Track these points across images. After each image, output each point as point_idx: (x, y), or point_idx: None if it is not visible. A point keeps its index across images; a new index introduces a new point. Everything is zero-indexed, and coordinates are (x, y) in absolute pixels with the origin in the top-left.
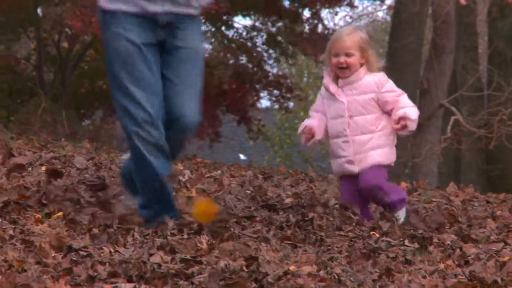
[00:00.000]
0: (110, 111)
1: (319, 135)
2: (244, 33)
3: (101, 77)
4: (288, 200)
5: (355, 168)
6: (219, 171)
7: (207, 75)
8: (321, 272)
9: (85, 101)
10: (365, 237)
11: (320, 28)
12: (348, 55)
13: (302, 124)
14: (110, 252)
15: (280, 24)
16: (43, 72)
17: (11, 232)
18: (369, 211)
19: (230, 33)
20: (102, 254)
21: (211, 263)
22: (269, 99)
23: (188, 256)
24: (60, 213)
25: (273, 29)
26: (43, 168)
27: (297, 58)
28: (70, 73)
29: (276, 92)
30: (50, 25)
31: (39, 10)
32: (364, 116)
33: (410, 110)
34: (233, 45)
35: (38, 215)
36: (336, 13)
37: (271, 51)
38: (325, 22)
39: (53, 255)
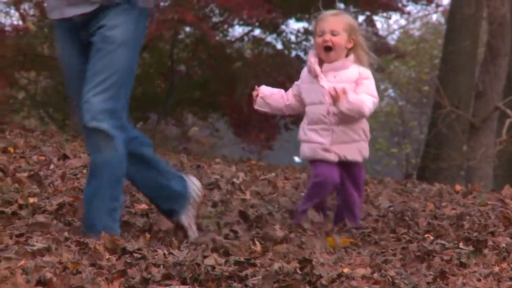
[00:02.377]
0: (164, 114)
1: (260, 105)
2: (293, 38)
3: (155, 81)
4: None
5: (331, 156)
6: (273, 174)
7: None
8: (375, 275)
9: (139, 104)
10: (419, 240)
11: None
12: (333, 33)
13: (259, 87)
14: (164, 254)
15: None
16: None
17: (66, 234)
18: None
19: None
20: (156, 256)
21: (265, 265)
22: None
23: (242, 259)
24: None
25: None
26: None
27: None
28: None
29: None
30: None
31: None
32: None
33: (354, 94)
34: (286, 51)
35: None
36: (390, 17)
37: None
38: (378, 26)
39: (107, 257)
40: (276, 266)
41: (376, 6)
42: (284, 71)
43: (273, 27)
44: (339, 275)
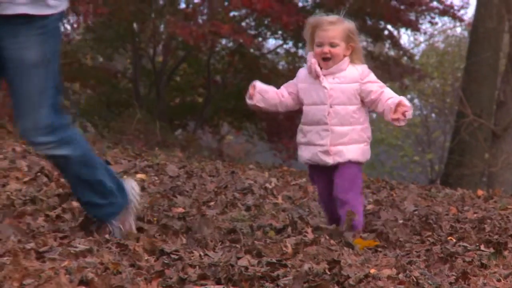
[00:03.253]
0: (201, 122)
1: (257, 101)
2: None
3: (193, 91)
4: (370, 207)
5: (329, 160)
6: (304, 179)
7: None
8: (400, 275)
9: (178, 112)
10: (442, 242)
11: (393, 52)
12: (332, 45)
13: (254, 82)
14: (200, 255)
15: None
16: (139, 85)
17: (106, 236)
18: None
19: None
20: (192, 258)
21: (296, 266)
22: None
23: (274, 260)
24: (154, 219)
25: None
26: (138, 175)
27: None
28: (164, 86)
29: None
30: (147, 39)
31: (135, 26)
32: (346, 106)
33: (403, 98)
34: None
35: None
36: (418, 30)
37: None
38: (405, 39)
39: (146, 258)
40: (306, 267)
41: (400, 24)
42: None
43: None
44: (366, 276)
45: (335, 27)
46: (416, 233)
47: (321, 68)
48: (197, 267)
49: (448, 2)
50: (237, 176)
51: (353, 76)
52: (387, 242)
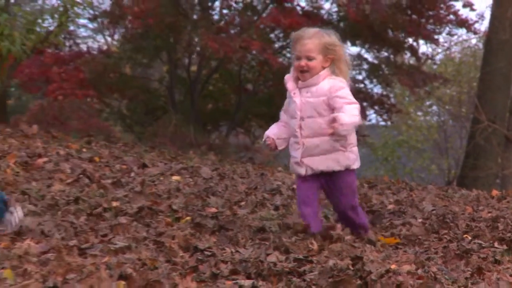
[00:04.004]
0: (233, 127)
1: (281, 145)
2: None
3: (225, 98)
4: (390, 207)
5: (302, 171)
6: None
7: None
8: (419, 271)
9: (211, 118)
10: (459, 240)
11: (413, 60)
12: (309, 58)
13: (265, 134)
14: (231, 252)
15: (384, 55)
16: (174, 93)
17: (144, 234)
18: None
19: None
20: (224, 254)
21: (321, 262)
22: (375, 115)
23: (300, 256)
24: (188, 218)
25: (376, 61)
26: (174, 177)
27: (392, 86)
28: (198, 93)
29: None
30: (183, 50)
31: (171, 37)
32: (315, 119)
33: (343, 115)
34: None
35: (168, 219)
36: (437, 44)
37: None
38: (424, 49)
39: (181, 254)
40: (331, 262)
41: (421, 37)
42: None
43: None
44: (387, 271)
45: (312, 41)
46: (434, 231)
47: (298, 79)
48: (229, 263)
49: (464, 16)
50: (266, 178)
51: (323, 90)
52: (407, 240)
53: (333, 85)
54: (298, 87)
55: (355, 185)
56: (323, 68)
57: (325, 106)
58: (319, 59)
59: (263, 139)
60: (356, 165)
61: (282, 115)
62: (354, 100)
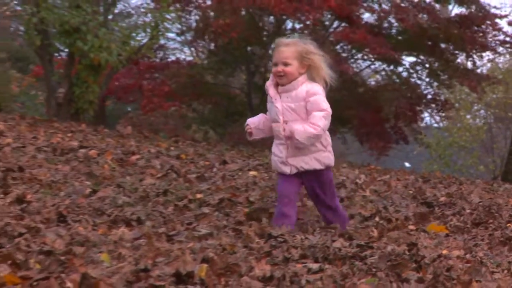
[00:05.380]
0: None
1: (258, 134)
2: (403, 71)
3: None
4: (442, 199)
5: (287, 169)
6: (388, 176)
7: (379, 103)
8: (467, 256)
9: None
10: (502, 228)
11: (470, 65)
12: (285, 64)
13: (247, 121)
14: (301, 239)
15: (437, 64)
16: (252, 98)
17: (224, 222)
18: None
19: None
20: (295, 240)
21: (381, 248)
22: (429, 116)
23: (362, 242)
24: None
25: (435, 65)
26: (251, 172)
27: (453, 87)
28: None
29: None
30: (259, 60)
31: (249, 49)
32: (296, 122)
33: (300, 129)
34: (397, 80)
35: (246, 210)
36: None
37: (430, 79)
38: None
39: (257, 240)
40: (389, 248)
41: (478, 47)
42: (409, 93)
43: (391, 60)
44: (439, 256)
45: (288, 48)
46: (480, 221)
47: (279, 85)
48: (299, 248)
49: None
50: (332, 173)
51: (301, 95)
52: (456, 228)
53: (309, 90)
54: (278, 92)
55: (333, 182)
56: (300, 74)
57: (305, 110)
58: (295, 65)
59: (246, 124)
60: (332, 163)
61: (263, 115)
62: (324, 106)
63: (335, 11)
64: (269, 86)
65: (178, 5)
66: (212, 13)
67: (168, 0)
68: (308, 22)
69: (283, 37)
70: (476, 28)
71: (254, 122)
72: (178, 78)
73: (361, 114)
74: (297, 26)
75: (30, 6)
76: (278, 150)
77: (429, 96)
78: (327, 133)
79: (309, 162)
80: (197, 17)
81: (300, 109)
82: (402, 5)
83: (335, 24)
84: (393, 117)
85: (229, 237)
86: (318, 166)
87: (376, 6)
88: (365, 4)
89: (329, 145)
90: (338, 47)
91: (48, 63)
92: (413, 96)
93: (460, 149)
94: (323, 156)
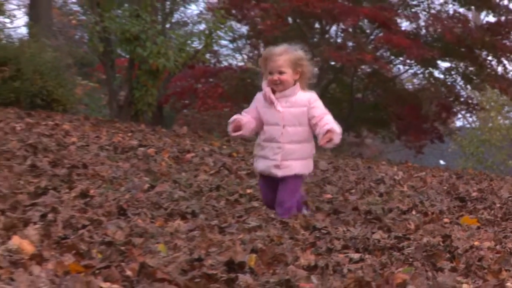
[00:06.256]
0: (346, 129)
1: (244, 132)
2: (439, 74)
3: (340, 105)
4: (474, 194)
5: (279, 173)
6: (424, 172)
7: (418, 102)
8: (498, 247)
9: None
10: None
11: (500, 70)
12: (280, 72)
13: (234, 116)
14: (343, 230)
15: (471, 68)
16: None
17: (272, 215)
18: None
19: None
20: (337, 232)
21: (417, 239)
22: (462, 118)
23: (400, 234)
24: (308, 203)
25: (468, 70)
26: None
27: (485, 91)
28: None
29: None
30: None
31: None
32: (296, 127)
33: (335, 125)
34: (433, 81)
35: None
36: None
37: (463, 83)
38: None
39: (302, 232)
40: (425, 240)
41: (508, 53)
42: (446, 94)
43: (428, 63)
44: (471, 247)
45: (282, 57)
46: (509, 214)
47: (275, 92)
48: (341, 239)
49: None
50: (372, 170)
51: (302, 101)
52: (487, 221)
53: (311, 97)
54: (276, 97)
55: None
56: (294, 80)
57: (305, 117)
58: (289, 73)
59: (232, 119)
60: (309, 171)
61: (244, 115)
62: (326, 110)
63: (370, 17)
64: (269, 92)
65: (230, 11)
66: (259, 19)
67: (221, 11)
68: (346, 27)
69: (274, 47)
70: (507, 34)
71: (242, 119)
72: (231, 81)
73: (399, 112)
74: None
75: (94, 16)
76: (272, 153)
77: (462, 99)
78: (313, 143)
79: (300, 167)
80: (247, 26)
81: (301, 115)
82: (438, 16)
83: (375, 32)
84: (432, 114)
85: (277, 229)
86: (306, 171)
87: (411, 14)
88: (399, 11)
89: (313, 153)
90: (378, 53)
91: (110, 68)
92: (449, 97)
93: (491, 147)
94: (310, 163)
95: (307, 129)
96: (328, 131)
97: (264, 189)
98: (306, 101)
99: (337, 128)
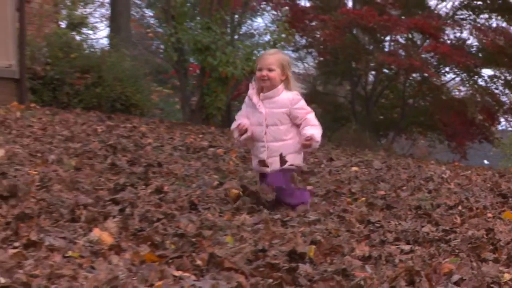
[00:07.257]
0: (398, 132)
1: (250, 132)
2: (481, 82)
3: (392, 110)
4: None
5: (267, 169)
6: (469, 171)
7: (465, 107)
8: None
9: (382, 126)
10: None
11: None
12: (270, 69)
13: (236, 122)
14: (395, 224)
15: None
16: (355, 105)
17: (331, 210)
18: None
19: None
20: (389, 226)
21: (463, 232)
22: (505, 121)
23: (447, 228)
24: (363, 198)
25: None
26: (353, 168)
27: None
28: (372, 106)
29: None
30: (361, 72)
31: (353, 63)
32: (278, 127)
33: (317, 132)
34: (476, 87)
35: (349, 200)
36: None
37: (505, 90)
38: None
39: (357, 226)
40: (469, 233)
41: None
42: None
43: (472, 72)
44: None
45: (273, 56)
46: None
47: (261, 92)
48: (393, 232)
49: None
50: (422, 169)
51: (284, 102)
52: None
53: (293, 98)
54: (260, 99)
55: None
56: (281, 81)
57: (286, 116)
58: (277, 71)
59: (237, 124)
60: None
61: (240, 118)
62: (310, 109)
63: (419, 28)
64: (252, 94)
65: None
66: (318, 31)
67: (285, 24)
68: (398, 37)
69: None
70: None
71: (245, 122)
72: None
73: (446, 120)
74: (392, 43)
75: (169, 28)
76: (258, 152)
77: (506, 107)
78: (297, 138)
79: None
80: (309, 39)
81: (282, 115)
82: (482, 28)
83: (425, 43)
84: (478, 118)
85: (334, 223)
86: (292, 165)
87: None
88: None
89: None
90: (426, 60)
91: (184, 76)
92: (492, 102)
93: None
94: (297, 158)
95: (289, 127)
96: (309, 138)
97: (263, 182)
98: (288, 101)
99: (317, 135)
